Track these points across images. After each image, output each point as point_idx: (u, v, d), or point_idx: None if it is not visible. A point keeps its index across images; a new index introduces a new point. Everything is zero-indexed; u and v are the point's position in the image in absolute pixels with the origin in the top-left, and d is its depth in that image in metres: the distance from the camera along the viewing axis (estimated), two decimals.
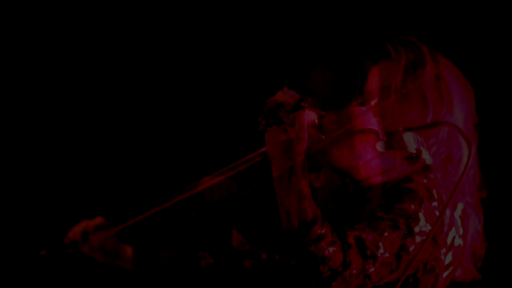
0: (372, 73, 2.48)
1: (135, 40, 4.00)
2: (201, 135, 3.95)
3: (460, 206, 2.35)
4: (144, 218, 2.36)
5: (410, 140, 2.28)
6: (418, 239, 2.21)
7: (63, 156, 3.97)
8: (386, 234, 2.19)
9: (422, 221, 2.22)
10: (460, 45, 3.55)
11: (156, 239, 2.55)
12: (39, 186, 3.95)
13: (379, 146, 2.26)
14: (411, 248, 2.19)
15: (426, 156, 2.30)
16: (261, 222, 2.38)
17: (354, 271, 2.14)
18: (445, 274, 2.32)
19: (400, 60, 2.43)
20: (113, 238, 2.53)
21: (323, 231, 2.13)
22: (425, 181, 2.29)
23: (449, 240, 2.29)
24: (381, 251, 2.16)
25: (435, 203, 2.26)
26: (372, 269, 2.16)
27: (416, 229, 2.21)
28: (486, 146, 2.62)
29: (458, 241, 2.32)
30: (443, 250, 2.28)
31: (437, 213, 2.24)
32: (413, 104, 2.40)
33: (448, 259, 2.30)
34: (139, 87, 4.01)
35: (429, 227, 2.21)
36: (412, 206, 2.23)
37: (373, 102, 2.41)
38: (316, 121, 2.24)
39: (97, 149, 3.99)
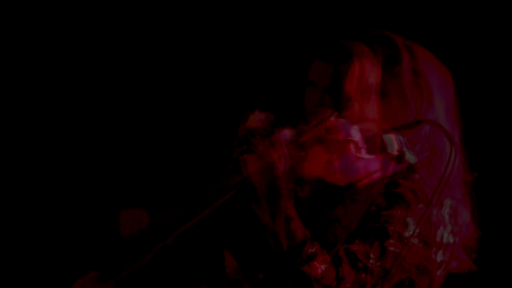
0: (349, 74, 2.47)
1: (134, 40, 3.97)
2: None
3: (447, 202, 2.35)
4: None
5: (392, 142, 2.28)
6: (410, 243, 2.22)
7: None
8: (376, 243, 2.20)
9: (411, 226, 2.24)
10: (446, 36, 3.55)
11: (152, 278, 2.51)
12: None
13: (361, 153, 2.26)
14: (402, 254, 2.21)
15: (409, 156, 2.29)
16: (251, 247, 2.38)
17: (348, 285, 2.16)
18: (439, 272, 2.33)
19: (377, 58, 2.42)
20: None
21: (313, 250, 2.14)
22: (411, 184, 2.30)
23: (438, 238, 2.30)
24: (372, 261, 2.18)
25: (421, 206, 2.27)
26: (366, 280, 2.17)
27: (406, 235, 2.22)
28: (474, 134, 2.62)
29: (449, 238, 2.33)
30: (434, 250, 2.29)
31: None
32: (393, 103, 2.40)
33: (441, 257, 2.31)
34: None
35: (418, 231, 2.22)
36: (400, 212, 2.24)
37: (350, 106, 2.41)
38: (294, 138, 2.23)
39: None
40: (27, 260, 3.89)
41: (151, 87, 3.96)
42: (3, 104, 3.91)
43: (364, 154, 2.26)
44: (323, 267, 2.14)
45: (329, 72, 2.39)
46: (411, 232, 2.22)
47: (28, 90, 3.92)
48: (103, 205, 3.87)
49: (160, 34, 3.94)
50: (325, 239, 2.25)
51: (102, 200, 3.89)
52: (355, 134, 2.26)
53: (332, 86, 2.38)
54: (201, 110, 3.93)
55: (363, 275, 2.17)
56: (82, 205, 3.92)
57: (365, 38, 2.48)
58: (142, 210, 2.32)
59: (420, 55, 2.46)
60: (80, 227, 3.89)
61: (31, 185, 3.92)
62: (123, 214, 2.33)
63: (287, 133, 2.21)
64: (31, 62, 3.91)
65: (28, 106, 3.92)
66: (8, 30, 3.87)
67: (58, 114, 3.94)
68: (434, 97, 2.43)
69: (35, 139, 3.93)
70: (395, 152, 2.27)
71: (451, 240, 2.33)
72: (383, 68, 2.40)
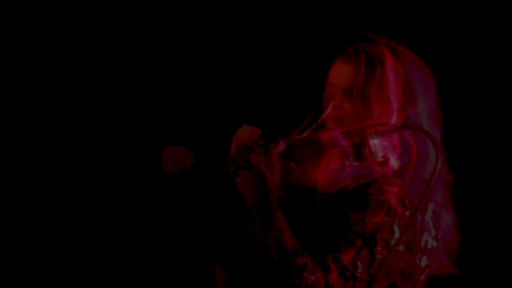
0: (331, 73, 2.46)
1: (134, 40, 3.94)
2: None
3: (430, 206, 2.37)
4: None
5: (377, 148, 2.29)
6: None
7: None
8: (363, 251, 2.21)
9: (397, 233, 2.25)
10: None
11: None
12: None
13: (349, 162, 2.27)
14: (388, 261, 2.22)
15: (393, 162, 2.31)
16: (242, 259, 2.38)
17: None
18: (422, 277, 2.35)
19: (360, 59, 2.41)
20: None
21: (303, 261, 2.16)
22: (396, 190, 2.30)
23: (422, 244, 2.32)
24: (360, 269, 2.20)
25: (407, 212, 2.28)
26: None
27: (392, 242, 2.24)
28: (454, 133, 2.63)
29: (432, 243, 2.34)
30: (419, 256, 2.31)
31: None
32: (376, 105, 2.39)
33: (424, 262, 2.33)
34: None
35: (404, 238, 2.24)
36: (386, 219, 2.25)
37: (332, 107, 2.41)
38: (284, 150, 2.23)
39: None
40: (27, 260, 3.88)
41: (150, 88, 3.94)
42: (3, 104, 3.88)
43: (351, 162, 2.27)
44: (313, 277, 2.15)
45: (348, 73, 2.40)
46: (397, 239, 2.24)
47: (28, 90, 3.89)
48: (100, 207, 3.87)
49: (160, 34, 3.91)
50: (336, 244, 2.25)
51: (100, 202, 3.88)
52: (344, 143, 2.26)
53: (351, 88, 2.38)
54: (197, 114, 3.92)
55: (351, 284, 2.19)
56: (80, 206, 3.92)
57: (348, 38, 2.47)
58: (187, 151, 2.30)
59: (403, 56, 2.45)
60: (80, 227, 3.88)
61: (31, 185, 3.90)
62: (168, 150, 2.30)
63: (279, 146, 2.21)
64: (31, 62, 3.88)
65: (28, 106, 3.89)
66: (8, 30, 3.84)
67: (58, 114, 3.91)
68: (417, 99, 2.43)
69: (35, 139, 3.91)
70: (381, 158, 2.28)
71: (434, 245, 2.35)
72: (366, 69, 2.39)
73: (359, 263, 2.19)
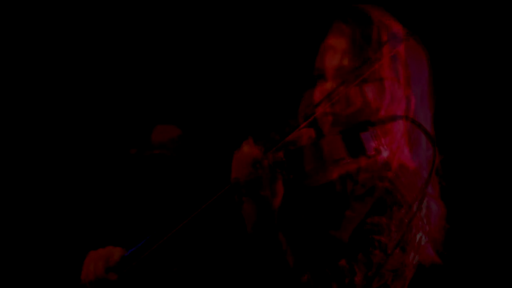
0: (322, 54, 2.41)
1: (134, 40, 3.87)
2: None
3: (424, 203, 2.33)
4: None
5: (369, 141, 2.24)
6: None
7: None
8: (360, 255, 2.18)
9: (393, 234, 2.21)
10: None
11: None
12: None
13: (346, 162, 2.24)
14: (385, 263, 2.20)
15: (384, 153, 2.27)
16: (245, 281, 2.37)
17: None
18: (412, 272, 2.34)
19: (354, 37, 2.34)
20: None
21: (305, 279, 2.13)
22: (388, 185, 2.27)
23: (416, 242, 2.28)
24: (358, 275, 2.17)
25: (402, 209, 2.24)
26: None
27: (389, 243, 2.20)
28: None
29: (424, 240, 2.31)
30: (412, 255, 2.28)
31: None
32: (369, 88, 2.34)
33: (416, 259, 2.31)
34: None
35: (399, 238, 2.20)
36: (383, 219, 2.22)
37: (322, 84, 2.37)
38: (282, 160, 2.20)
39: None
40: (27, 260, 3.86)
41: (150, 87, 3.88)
42: (3, 104, 3.83)
43: (341, 159, 2.24)
44: None
45: (339, 53, 2.34)
46: (394, 241, 2.20)
47: (28, 90, 3.84)
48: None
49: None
50: (333, 249, 2.23)
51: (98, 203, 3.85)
52: (344, 148, 2.23)
53: (351, 48, 2.33)
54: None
55: None
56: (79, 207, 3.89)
57: (343, 13, 2.41)
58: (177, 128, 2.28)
59: (397, 35, 2.40)
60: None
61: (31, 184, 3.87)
62: (158, 127, 2.28)
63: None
64: (31, 62, 3.82)
65: (28, 106, 3.84)
66: (8, 30, 3.77)
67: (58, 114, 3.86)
68: (410, 82, 2.38)
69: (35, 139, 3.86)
70: (372, 152, 2.24)
71: (425, 241, 2.33)
72: (358, 49, 2.34)
73: (357, 268, 2.17)
